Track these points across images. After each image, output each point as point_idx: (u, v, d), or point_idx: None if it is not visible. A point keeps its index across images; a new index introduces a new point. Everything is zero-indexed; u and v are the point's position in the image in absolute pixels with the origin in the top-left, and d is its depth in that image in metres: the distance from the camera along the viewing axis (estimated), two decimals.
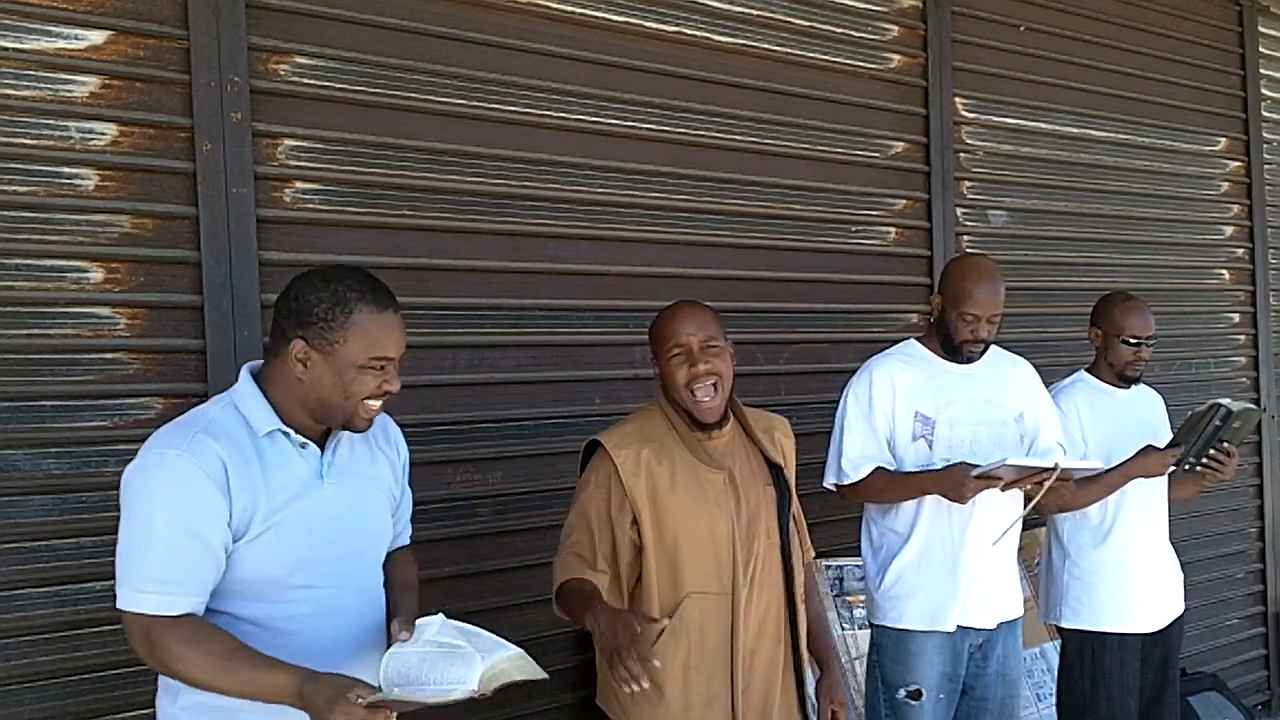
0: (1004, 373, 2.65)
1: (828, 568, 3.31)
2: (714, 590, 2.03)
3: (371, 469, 1.77)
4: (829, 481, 2.61)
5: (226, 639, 1.53)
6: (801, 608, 2.18)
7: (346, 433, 1.71)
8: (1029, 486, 2.38)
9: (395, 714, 1.50)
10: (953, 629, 2.49)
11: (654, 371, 2.14)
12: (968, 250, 3.63)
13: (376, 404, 1.67)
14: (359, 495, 1.72)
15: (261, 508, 1.58)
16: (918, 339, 2.66)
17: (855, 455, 2.52)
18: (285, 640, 1.59)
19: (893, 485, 2.50)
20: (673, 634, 2.01)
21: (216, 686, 1.50)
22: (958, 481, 2.34)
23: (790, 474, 2.24)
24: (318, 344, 1.61)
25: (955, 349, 2.54)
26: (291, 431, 1.65)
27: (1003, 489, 2.37)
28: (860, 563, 2.73)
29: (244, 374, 1.69)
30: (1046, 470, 2.33)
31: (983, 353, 2.57)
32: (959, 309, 2.50)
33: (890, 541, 2.57)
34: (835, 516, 3.03)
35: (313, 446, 1.67)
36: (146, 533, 1.53)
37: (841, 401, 2.61)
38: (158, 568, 1.51)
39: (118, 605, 1.54)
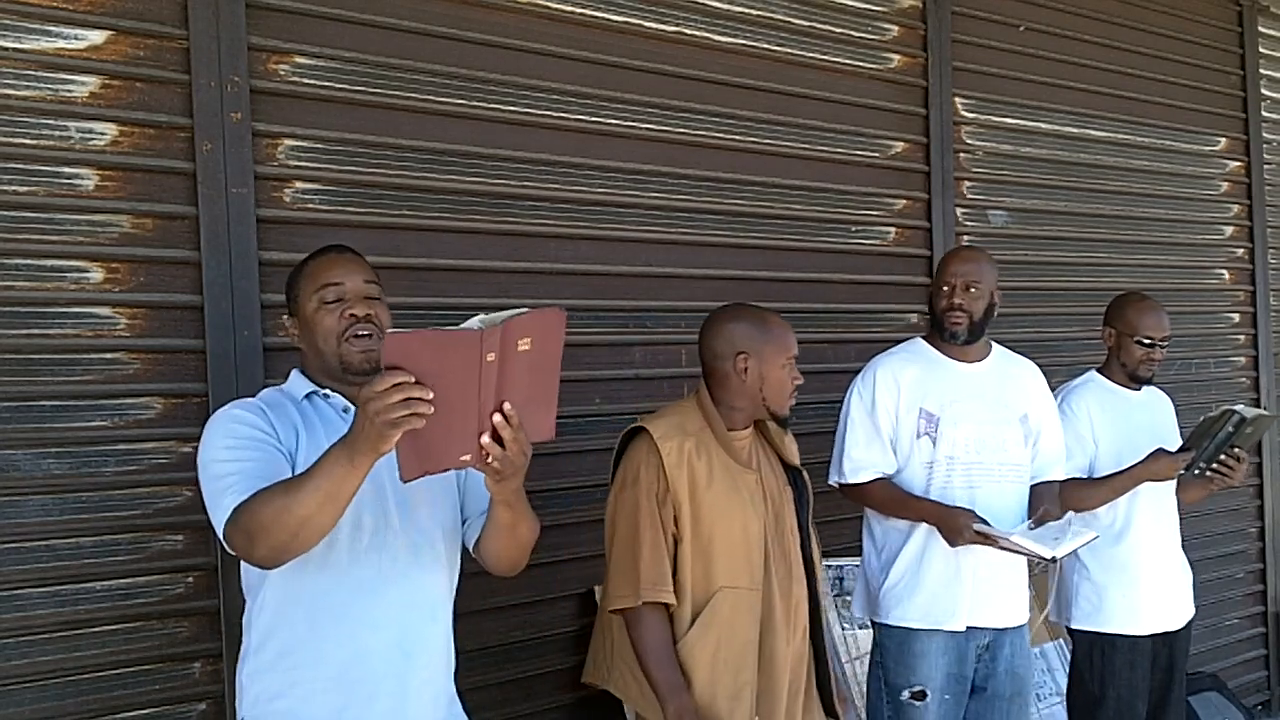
0: (1010, 373, 2.66)
1: (828, 567, 3.31)
2: (745, 585, 2.09)
3: None
4: (832, 479, 2.63)
5: (285, 478, 1.53)
6: (823, 604, 2.25)
7: None
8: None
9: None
10: (960, 629, 2.48)
11: (739, 370, 2.14)
12: None
13: (362, 335, 1.69)
14: None
15: (303, 446, 1.65)
16: (924, 337, 2.67)
17: (858, 457, 2.56)
18: (329, 599, 1.61)
19: (893, 505, 2.54)
20: (703, 626, 2.06)
21: (297, 508, 1.45)
22: (958, 527, 2.37)
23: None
24: (293, 309, 1.76)
25: (940, 326, 2.57)
26: (331, 393, 1.73)
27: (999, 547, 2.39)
28: (857, 562, 2.73)
29: (293, 370, 1.81)
30: (1041, 558, 2.33)
31: (972, 333, 2.56)
32: (937, 284, 2.59)
33: (892, 538, 2.57)
34: (835, 516, 3.02)
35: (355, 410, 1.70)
36: (212, 468, 1.61)
37: (846, 399, 2.63)
38: (227, 480, 1.57)
39: (220, 536, 1.56)
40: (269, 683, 1.67)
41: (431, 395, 1.33)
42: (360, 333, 1.69)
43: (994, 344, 2.69)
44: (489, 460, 1.46)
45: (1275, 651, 4.66)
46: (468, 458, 1.46)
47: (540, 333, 1.44)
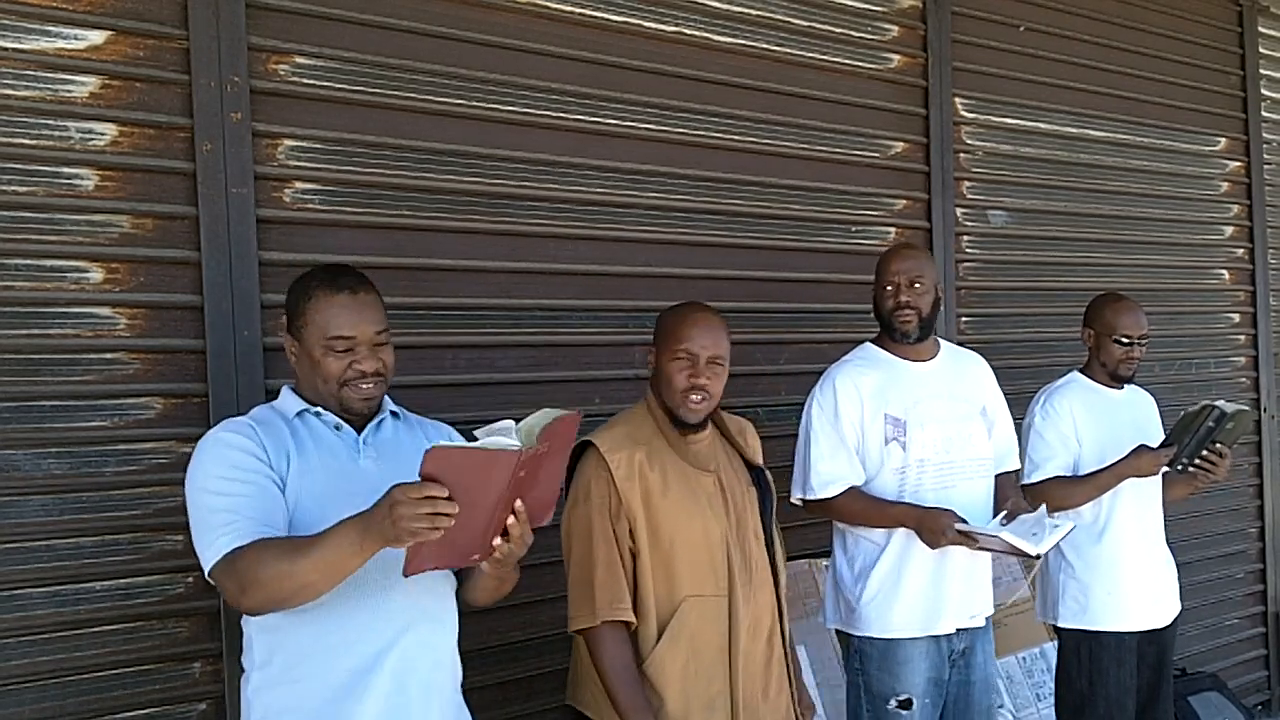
0: (963, 367, 2.64)
1: (826, 568, 3.30)
2: (710, 592, 2.03)
3: (417, 448, 1.76)
4: (796, 496, 2.56)
5: (291, 538, 1.56)
6: (786, 607, 2.18)
7: (390, 416, 1.79)
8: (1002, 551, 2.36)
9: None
10: (949, 631, 2.46)
11: (648, 360, 2.13)
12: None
13: (365, 386, 1.71)
14: (402, 469, 1.67)
15: (294, 464, 1.65)
16: (872, 341, 2.62)
17: (825, 470, 2.47)
18: (331, 609, 1.61)
19: (869, 513, 2.47)
20: (672, 638, 2.00)
21: (298, 575, 1.49)
22: (940, 528, 2.32)
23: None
24: (295, 333, 1.73)
25: (890, 327, 2.53)
26: (323, 411, 1.72)
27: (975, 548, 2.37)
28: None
29: (285, 387, 1.80)
30: (1026, 555, 2.29)
31: (923, 330, 2.53)
32: (880, 285, 2.56)
33: (866, 549, 2.51)
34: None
35: (349, 428, 1.73)
36: (204, 498, 1.61)
37: (805, 412, 2.56)
38: (221, 516, 1.58)
39: (206, 574, 1.58)
40: (277, 696, 1.67)
41: (457, 509, 1.38)
42: (364, 384, 1.70)
43: (940, 340, 2.66)
44: (494, 555, 1.52)
45: (1275, 651, 4.66)
46: (477, 557, 1.52)
47: (559, 435, 1.49)
